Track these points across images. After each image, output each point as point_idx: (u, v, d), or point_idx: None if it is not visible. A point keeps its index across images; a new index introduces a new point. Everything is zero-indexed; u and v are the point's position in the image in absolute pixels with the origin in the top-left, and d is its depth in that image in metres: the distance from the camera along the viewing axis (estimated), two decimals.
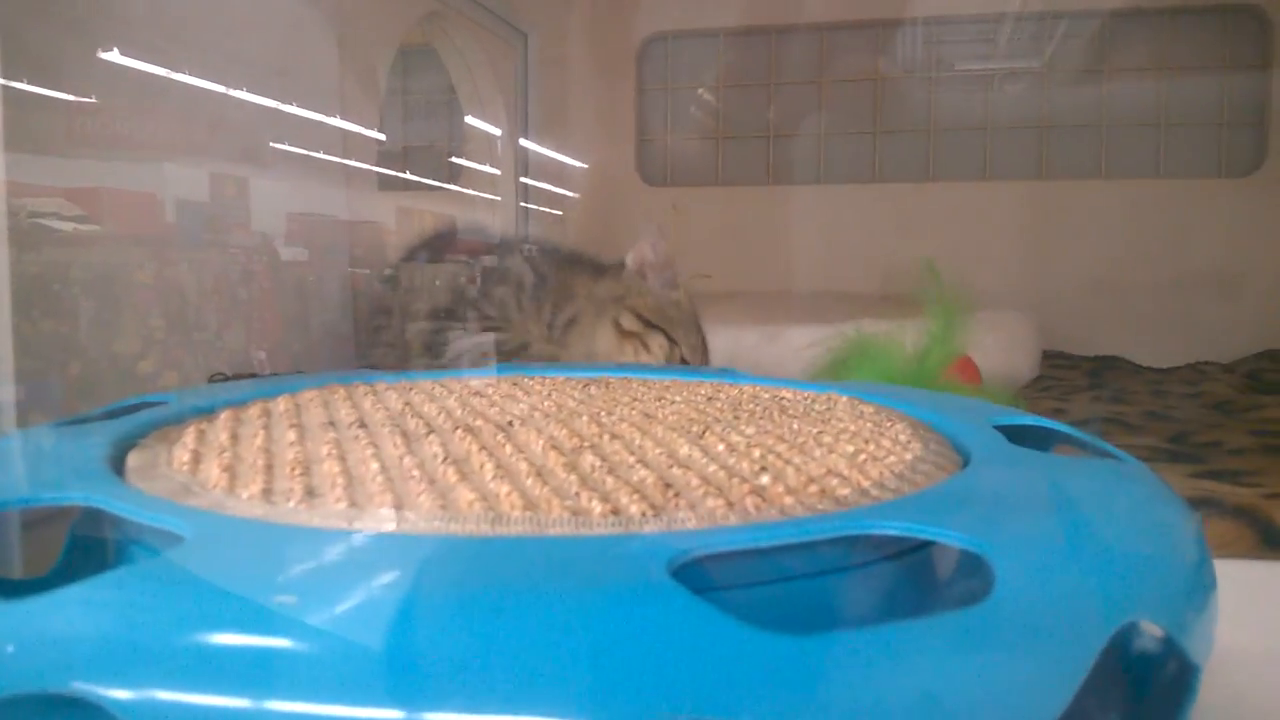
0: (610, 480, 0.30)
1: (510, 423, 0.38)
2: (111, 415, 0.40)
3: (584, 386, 0.49)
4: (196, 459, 0.32)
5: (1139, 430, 0.93)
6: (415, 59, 1.47)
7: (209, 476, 0.30)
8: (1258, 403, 1.07)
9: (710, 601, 0.21)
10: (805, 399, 0.46)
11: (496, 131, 1.43)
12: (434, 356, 0.86)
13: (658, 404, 0.43)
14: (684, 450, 0.34)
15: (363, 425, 0.37)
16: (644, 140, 1.78)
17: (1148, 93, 1.58)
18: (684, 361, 0.83)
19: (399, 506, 0.27)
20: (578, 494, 0.28)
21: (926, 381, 0.74)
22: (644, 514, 0.27)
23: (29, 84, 0.66)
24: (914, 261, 0.86)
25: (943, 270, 0.85)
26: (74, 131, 0.72)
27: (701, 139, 1.77)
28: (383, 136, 1.09)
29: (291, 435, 0.35)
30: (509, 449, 0.33)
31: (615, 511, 0.27)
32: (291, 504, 0.27)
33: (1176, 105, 1.57)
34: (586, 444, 0.34)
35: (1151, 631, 0.27)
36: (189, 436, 0.35)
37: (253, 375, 0.82)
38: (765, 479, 0.30)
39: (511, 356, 0.84)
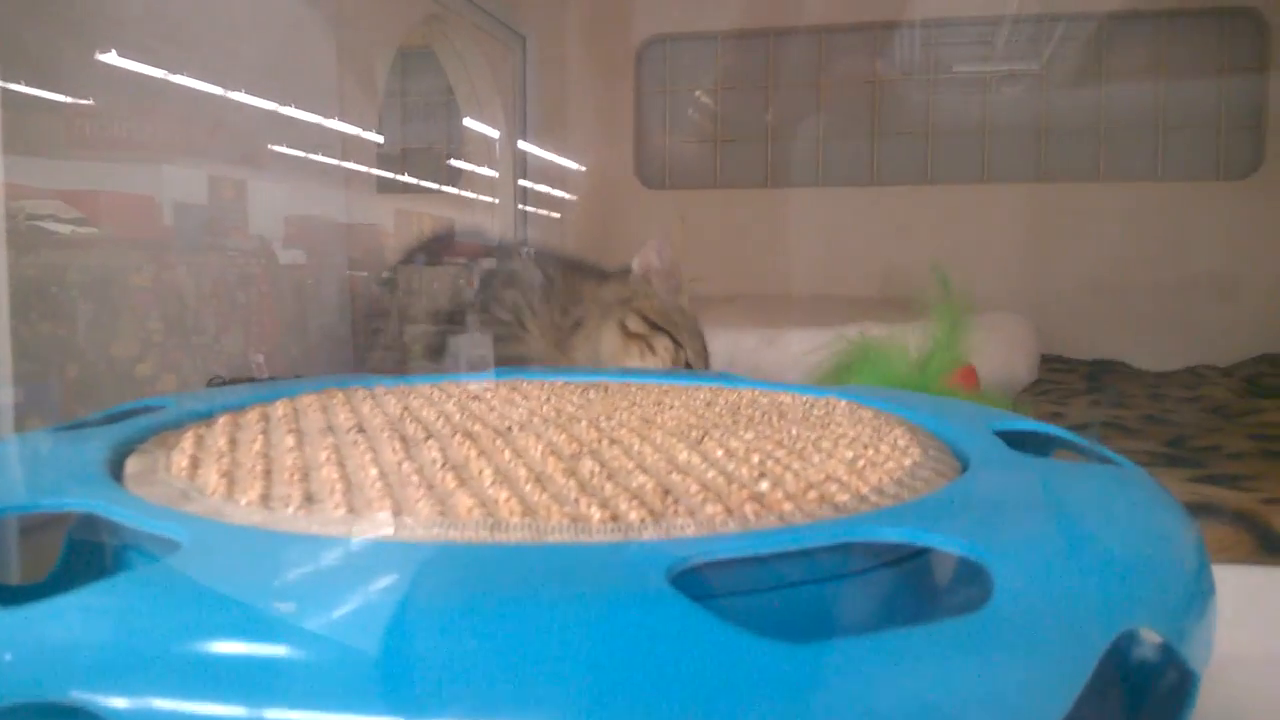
0: (609, 486, 0.30)
1: (509, 428, 0.38)
2: (110, 420, 0.40)
3: (582, 391, 0.49)
4: (195, 464, 0.32)
5: (1137, 434, 0.93)
6: (414, 61, 1.47)
7: (207, 482, 0.30)
8: (1256, 406, 1.08)
9: (710, 608, 0.21)
10: (804, 403, 0.46)
11: (495, 133, 1.43)
12: (436, 359, 0.86)
13: (656, 409, 0.43)
14: (683, 456, 0.34)
15: (361, 430, 0.37)
16: (642, 143, 1.78)
17: (1145, 95, 1.58)
18: (688, 365, 0.84)
19: (398, 513, 0.27)
20: (577, 500, 0.28)
21: (928, 388, 0.73)
22: (643, 521, 0.27)
23: (27, 86, 0.66)
24: (912, 264, 0.86)
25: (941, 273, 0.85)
26: (72, 134, 0.72)
27: (700, 141, 1.77)
28: (381, 139, 1.09)
29: (290, 440, 0.35)
30: (508, 454, 0.33)
31: (614, 518, 0.27)
32: (290, 510, 0.27)
33: (1174, 108, 1.57)
34: (585, 449, 0.34)
35: (1150, 638, 0.27)
36: (187, 442, 0.35)
37: (251, 378, 0.82)
38: (764, 485, 0.30)
39: (524, 361, 0.84)
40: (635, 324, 0.84)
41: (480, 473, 0.31)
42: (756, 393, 0.50)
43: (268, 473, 0.31)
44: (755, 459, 0.33)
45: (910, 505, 0.29)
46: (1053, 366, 1.37)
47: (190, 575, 0.22)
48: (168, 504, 0.28)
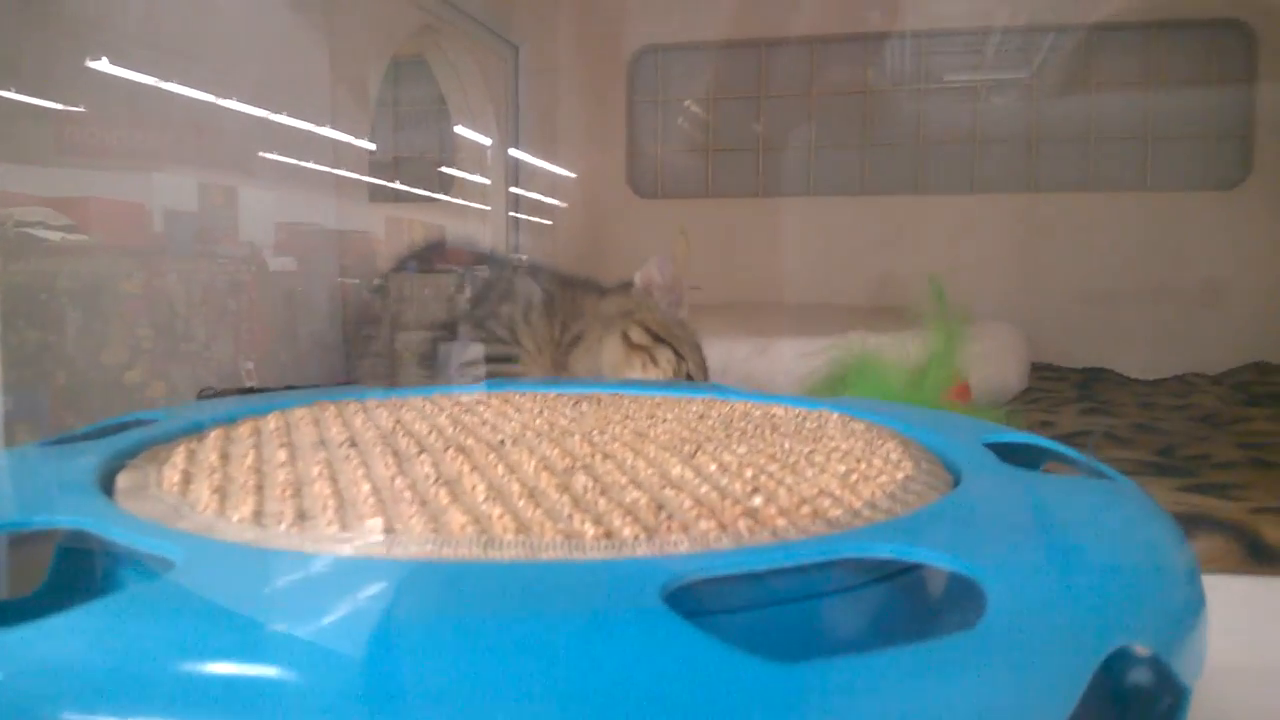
0: (603, 502, 0.30)
1: (502, 441, 0.38)
2: (101, 433, 0.40)
3: (575, 403, 0.49)
4: (187, 480, 0.32)
5: (1127, 443, 0.93)
6: (406, 70, 1.47)
7: (199, 498, 0.30)
8: (1245, 415, 1.08)
9: (704, 625, 0.21)
10: (797, 416, 0.46)
11: (486, 142, 1.43)
12: (427, 367, 0.86)
13: (649, 422, 0.43)
14: (676, 470, 0.34)
15: (354, 444, 0.37)
16: (635, 152, 1.78)
17: (1134, 106, 1.59)
18: (689, 378, 0.84)
19: (390, 530, 0.27)
20: (570, 516, 0.28)
21: (925, 404, 0.74)
22: (637, 537, 0.27)
23: (17, 93, 0.66)
24: (903, 273, 0.87)
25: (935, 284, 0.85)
26: (63, 141, 0.72)
27: (692, 151, 1.77)
28: (373, 146, 1.09)
29: (282, 455, 0.35)
30: (501, 469, 0.33)
31: (608, 534, 0.27)
32: (283, 527, 0.27)
33: (1163, 118, 1.58)
34: (579, 464, 0.34)
35: (1141, 653, 0.28)
36: (179, 456, 0.35)
37: (241, 388, 0.82)
38: (758, 500, 0.30)
39: (517, 375, 0.84)
40: (638, 335, 0.85)
41: (473, 488, 0.31)
42: (749, 405, 0.50)
43: (260, 488, 0.31)
44: (748, 473, 0.33)
45: (903, 520, 0.29)
46: (1043, 375, 1.37)
47: (184, 595, 0.22)
48: (159, 521, 0.28)
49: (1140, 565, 0.28)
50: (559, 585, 0.23)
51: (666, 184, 1.79)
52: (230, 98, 0.85)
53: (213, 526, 0.27)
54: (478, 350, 0.84)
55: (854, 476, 0.33)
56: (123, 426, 0.41)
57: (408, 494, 0.30)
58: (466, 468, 0.33)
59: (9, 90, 0.65)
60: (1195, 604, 0.28)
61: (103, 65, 0.72)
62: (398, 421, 0.42)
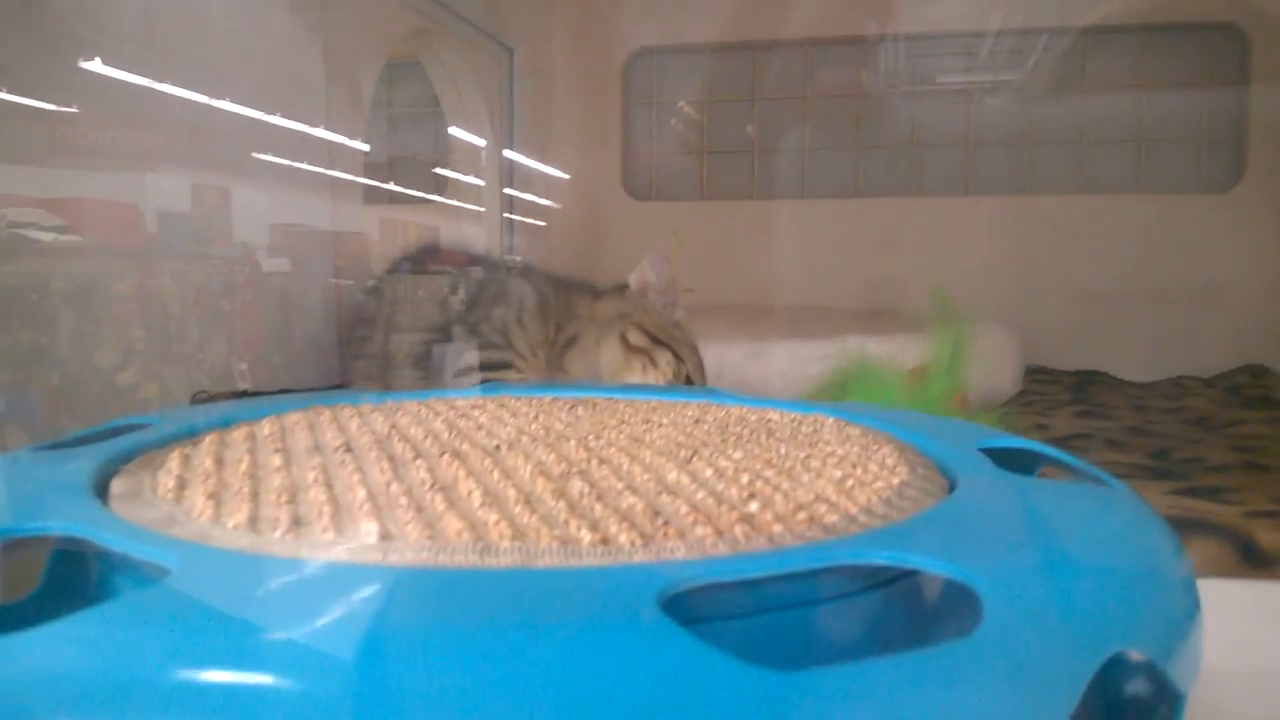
0: (599, 508, 0.29)
1: (497, 446, 0.38)
2: (95, 437, 0.39)
3: (570, 408, 0.49)
4: (181, 485, 0.32)
5: (1121, 446, 0.93)
6: (401, 72, 1.47)
7: (194, 504, 0.30)
8: (1238, 418, 1.08)
9: (701, 633, 0.20)
10: (792, 421, 0.46)
11: (481, 143, 1.43)
12: (421, 369, 0.85)
13: (645, 427, 0.43)
14: (672, 476, 0.34)
15: (349, 449, 0.37)
16: (629, 154, 1.78)
17: (1128, 108, 1.60)
18: (689, 381, 0.84)
19: (386, 536, 0.26)
20: (566, 522, 0.28)
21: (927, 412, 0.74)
22: (633, 544, 0.26)
23: (10, 93, 0.66)
24: (897, 276, 0.87)
25: (926, 285, 0.85)
26: (56, 141, 0.71)
27: (686, 153, 1.77)
28: (367, 148, 1.09)
29: (277, 460, 0.35)
30: (496, 475, 0.33)
31: (605, 541, 0.27)
32: (278, 533, 0.27)
33: (1156, 121, 1.59)
34: (575, 469, 0.34)
35: (1136, 659, 0.28)
36: (173, 462, 0.35)
37: (236, 391, 0.82)
38: (754, 506, 0.30)
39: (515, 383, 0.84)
40: (637, 337, 0.84)
41: (469, 494, 0.31)
42: (744, 410, 0.50)
43: (255, 494, 0.30)
44: (744, 479, 0.33)
45: (899, 526, 0.29)
46: (1037, 378, 1.37)
47: (180, 602, 0.22)
48: (154, 527, 0.28)
49: (1136, 571, 0.28)
50: (555, 592, 0.23)
51: (661, 186, 1.79)
52: (224, 98, 0.85)
53: (208, 533, 0.27)
54: (473, 357, 0.84)
55: (850, 482, 0.33)
56: (116, 431, 0.40)
57: (403, 500, 0.30)
58: (462, 473, 0.33)
59: (1, 90, 0.65)
60: (1190, 609, 0.28)
61: (96, 66, 0.72)
62: (393, 426, 0.42)
